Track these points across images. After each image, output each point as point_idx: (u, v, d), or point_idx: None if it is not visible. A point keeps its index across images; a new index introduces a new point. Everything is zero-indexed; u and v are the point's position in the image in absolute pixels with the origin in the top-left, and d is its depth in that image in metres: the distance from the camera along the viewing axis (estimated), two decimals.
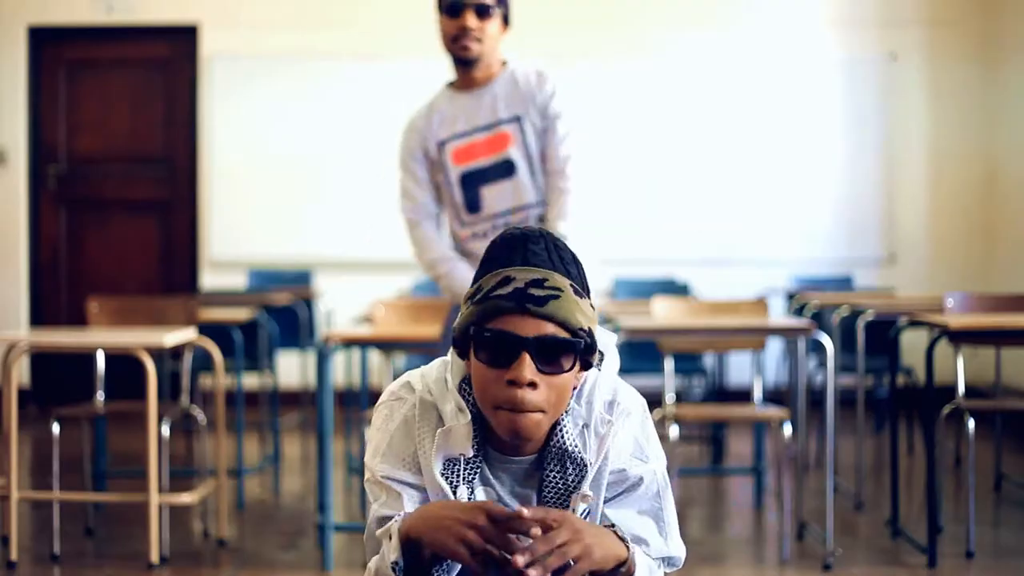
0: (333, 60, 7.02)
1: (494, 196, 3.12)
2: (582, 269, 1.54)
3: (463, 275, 3.10)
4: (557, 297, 1.47)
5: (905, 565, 3.69)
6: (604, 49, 7.03)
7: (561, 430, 1.53)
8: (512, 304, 1.46)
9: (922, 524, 3.83)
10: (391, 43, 6.99)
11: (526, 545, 1.40)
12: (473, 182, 3.14)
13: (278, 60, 7.08)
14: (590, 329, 1.51)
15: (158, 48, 7.31)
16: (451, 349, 1.58)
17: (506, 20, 3.18)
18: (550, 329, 1.46)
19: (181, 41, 7.24)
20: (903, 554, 3.81)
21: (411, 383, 1.60)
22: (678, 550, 1.62)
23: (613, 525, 1.53)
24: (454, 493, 1.52)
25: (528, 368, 1.45)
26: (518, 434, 1.47)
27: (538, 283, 1.47)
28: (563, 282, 1.48)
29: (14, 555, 3.65)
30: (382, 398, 1.62)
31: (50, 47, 7.30)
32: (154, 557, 3.62)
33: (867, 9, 7.16)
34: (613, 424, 1.56)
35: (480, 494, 1.55)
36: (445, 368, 1.59)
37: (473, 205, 3.13)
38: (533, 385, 1.45)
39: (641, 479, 1.59)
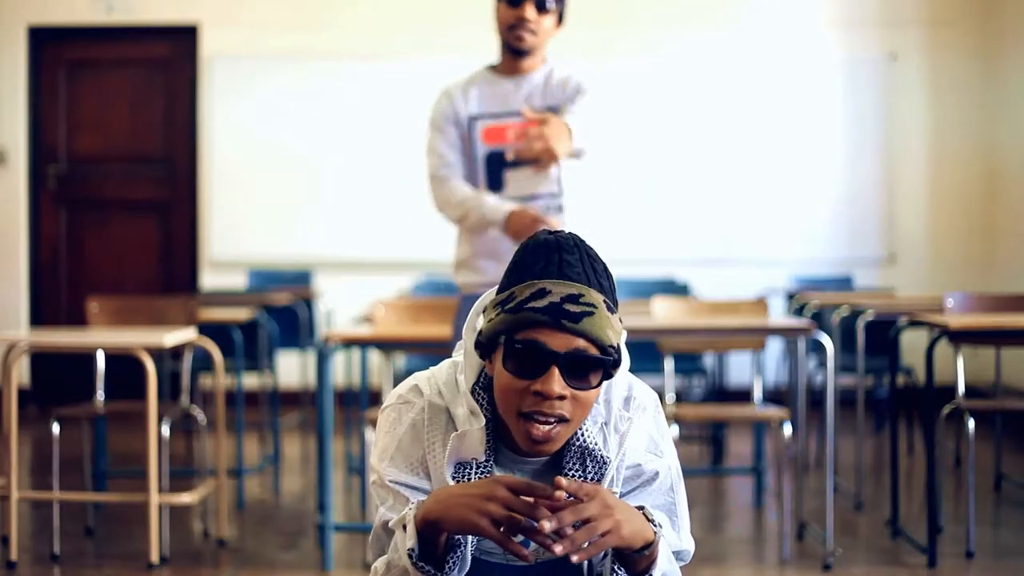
0: (333, 60, 7.02)
1: (517, 180, 3.12)
2: (612, 281, 1.53)
3: (494, 202, 3.06)
4: (591, 314, 1.46)
5: (905, 565, 3.69)
6: (604, 49, 7.03)
7: (582, 429, 1.54)
8: (547, 319, 1.45)
9: (922, 524, 3.83)
10: (391, 43, 6.99)
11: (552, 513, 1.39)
12: (498, 163, 3.14)
13: (278, 60, 7.08)
14: (618, 345, 1.51)
15: (158, 48, 7.31)
16: (463, 349, 1.58)
17: (561, 17, 3.21)
18: (581, 344, 1.46)
19: (181, 41, 7.24)
20: (903, 554, 3.81)
21: (419, 386, 1.59)
22: (689, 544, 1.63)
23: (643, 507, 1.53)
24: None
25: (557, 382, 1.45)
26: (539, 443, 1.48)
27: (574, 299, 1.47)
28: (597, 298, 1.48)
29: (14, 555, 3.65)
30: (388, 400, 1.62)
31: (50, 47, 7.30)
32: (154, 557, 3.62)
33: (867, 9, 7.16)
34: (632, 421, 1.57)
35: None
36: (456, 369, 1.59)
37: (495, 185, 3.13)
38: (561, 398, 1.46)
39: (656, 474, 1.60)
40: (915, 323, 3.96)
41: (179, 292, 6.85)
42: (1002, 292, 5.61)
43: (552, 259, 1.49)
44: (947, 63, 7.15)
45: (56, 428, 3.94)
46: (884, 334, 4.42)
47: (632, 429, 1.57)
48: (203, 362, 5.01)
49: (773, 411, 3.94)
